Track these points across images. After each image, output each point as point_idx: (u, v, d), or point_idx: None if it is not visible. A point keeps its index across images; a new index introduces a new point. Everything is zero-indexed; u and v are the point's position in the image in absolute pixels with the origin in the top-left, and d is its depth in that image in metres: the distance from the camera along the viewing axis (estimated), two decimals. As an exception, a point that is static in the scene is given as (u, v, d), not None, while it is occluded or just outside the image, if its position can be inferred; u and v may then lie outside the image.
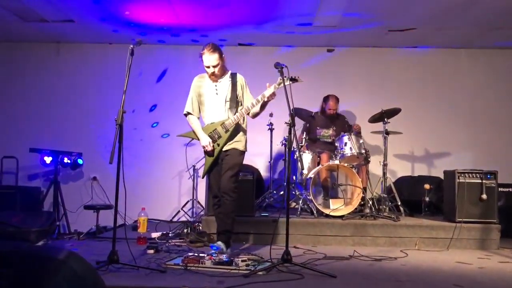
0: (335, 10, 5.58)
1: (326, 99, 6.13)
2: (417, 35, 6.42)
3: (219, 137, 4.08)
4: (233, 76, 4.20)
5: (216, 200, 4.21)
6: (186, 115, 4.29)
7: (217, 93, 4.14)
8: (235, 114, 4.07)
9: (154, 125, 6.96)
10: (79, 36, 6.71)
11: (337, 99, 6.14)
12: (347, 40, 6.70)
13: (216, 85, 4.15)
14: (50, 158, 6.20)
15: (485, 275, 3.57)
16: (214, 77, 4.11)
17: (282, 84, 3.72)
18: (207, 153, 4.14)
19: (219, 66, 4.06)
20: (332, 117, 6.10)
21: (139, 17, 5.91)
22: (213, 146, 4.09)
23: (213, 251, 3.77)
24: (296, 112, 4.97)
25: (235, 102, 4.12)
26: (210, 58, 4.02)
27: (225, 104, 4.12)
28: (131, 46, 3.55)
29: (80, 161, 6.52)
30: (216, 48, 4.04)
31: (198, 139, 4.18)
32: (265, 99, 3.94)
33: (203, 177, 4.46)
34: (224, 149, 4.12)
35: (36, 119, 6.90)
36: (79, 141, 6.75)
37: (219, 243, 3.97)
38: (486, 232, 4.79)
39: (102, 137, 6.82)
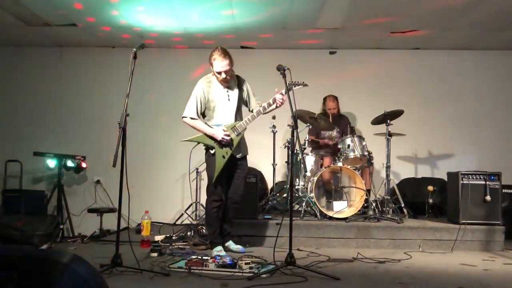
0: (337, 12, 5.58)
1: (324, 100, 6.15)
2: (420, 37, 6.42)
3: (231, 139, 4.07)
4: (239, 80, 4.22)
5: (218, 203, 4.17)
6: (184, 118, 4.18)
7: (229, 99, 4.13)
8: (241, 117, 4.10)
9: (158, 127, 6.98)
10: (82, 40, 6.73)
11: (335, 98, 6.15)
12: (349, 42, 6.70)
13: (228, 91, 4.13)
14: (54, 162, 6.22)
15: (489, 277, 3.55)
16: (225, 82, 4.08)
17: (290, 89, 3.80)
18: (224, 144, 4.02)
19: (230, 71, 4.05)
20: (335, 117, 6.09)
21: (142, 20, 5.94)
22: (230, 137, 4.01)
23: (241, 253, 3.74)
24: (298, 115, 4.97)
25: (241, 106, 4.16)
26: (222, 64, 3.98)
27: (235, 110, 4.13)
28: (134, 49, 3.56)
29: (83, 164, 6.54)
30: (227, 53, 4.03)
31: (205, 141, 4.08)
32: (278, 105, 3.99)
33: (215, 182, 4.13)
34: (237, 156, 4.12)
35: (40, 123, 6.92)
36: (82, 144, 6.77)
37: (233, 243, 4.08)
38: (490, 234, 4.77)
39: (105, 140, 6.83)
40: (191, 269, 3.42)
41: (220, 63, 3.98)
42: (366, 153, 5.32)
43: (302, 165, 5.36)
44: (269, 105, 4.04)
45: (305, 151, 5.63)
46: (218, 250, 4.10)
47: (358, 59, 6.99)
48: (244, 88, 4.21)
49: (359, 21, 5.86)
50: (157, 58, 6.93)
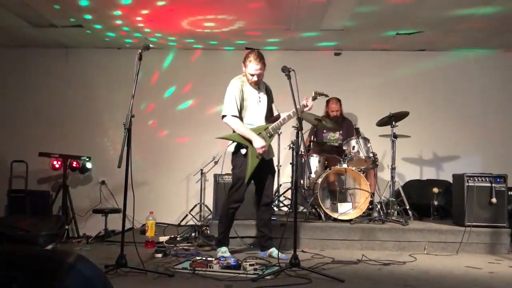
0: (343, 13, 5.57)
1: (327, 102, 6.15)
2: (426, 38, 6.40)
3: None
4: (266, 85, 4.29)
5: (237, 204, 4.13)
6: (225, 118, 4.10)
7: (260, 101, 4.18)
8: (268, 121, 4.16)
9: (164, 128, 7.00)
10: (88, 41, 6.76)
11: (338, 101, 6.14)
12: (355, 43, 6.69)
13: (259, 93, 4.18)
14: (59, 162, 6.25)
15: (495, 280, 3.54)
16: (255, 84, 4.14)
17: (320, 96, 4.15)
18: (258, 156, 4.01)
19: (262, 75, 4.12)
20: (338, 119, 6.09)
21: (148, 23, 5.96)
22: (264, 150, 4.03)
23: (282, 259, 3.70)
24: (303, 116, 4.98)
25: (270, 109, 4.24)
26: (257, 67, 4.06)
27: (264, 113, 4.17)
28: (139, 51, 3.57)
29: (88, 165, 6.57)
30: (262, 57, 4.11)
31: (241, 140, 4.04)
32: (307, 109, 4.15)
33: (246, 182, 4.05)
34: (267, 158, 4.14)
35: (45, 123, 6.95)
36: (88, 145, 6.79)
37: (276, 250, 4.02)
38: (495, 236, 4.75)
39: (110, 141, 6.86)
40: (196, 270, 3.43)
41: (254, 66, 4.05)
42: (371, 155, 5.31)
43: (306, 167, 5.36)
44: (302, 109, 4.14)
45: (309, 152, 5.62)
46: (223, 251, 4.10)
47: (363, 61, 6.98)
48: (270, 94, 4.31)
49: (364, 23, 5.85)
50: (161, 58, 6.94)
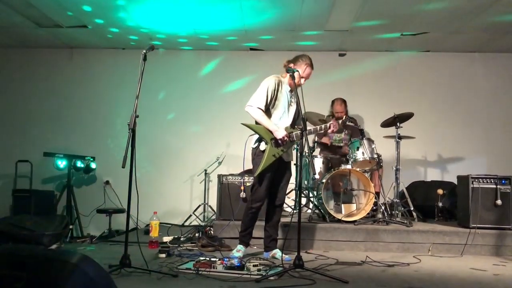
0: (347, 14, 5.57)
1: (332, 103, 6.14)
2: (430, 39, 6.38)
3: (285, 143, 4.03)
4: (297, 93, 4.23)
5: (258, 204, 4.06)
6: (249, 107, 4.01)
7: (291, 105, 4.14)
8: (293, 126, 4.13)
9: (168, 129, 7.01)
10: (92, 42, 6.78)
11: (343, 102, 6.13)
12: (359, 44, 6.68)
13: (291, 98, 4.14)
14: (64, 162, 6.27)
15: (500, 282, 3.51)
16: (295, 87, 4.03)
17: (346, 123, 4.34)
18: (278, 144, 3.95)
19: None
20: (343, 120, 6.08)
21: (150, 22, 5.97)
22: (286, 139, 3.97)
23: (286, 261, 3.69)
24: (307, 117, 4.97)
25: (297, 116, 4.18)
26: (310, 73, 4.08)
27: (291, 118, 4.13)
28: (144, 51, 3.56)
29: (93, 165, 6.59)
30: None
31: (262, 133, 3.96)
32: (330, 131, 4.22)
33: (258, 179, 4.01)
34: (285, 160, 4.10)
35: (50, 123, 6.98)
36: (92, 145, 6.82)
37: (279, 252, 4.01)
38: (500, 238, 4.72)
39: (115, 141, 6.88)
40: (199, 270, 3.43)
41: (309, 71, 4.07)
42: (375, 156, 5.29)
43: (310, 168, 5.34)
44: (325, 127, 4.16)
45: (313, 153, 5.61)
46: (238, 250, 4.11)
47: (367, 61, 6.97)
48: (299, 103, 4.24)
49: (368, 23, 5.84)
50: (165, 59, 6.95)
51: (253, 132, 4.05)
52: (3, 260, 1.81)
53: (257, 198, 4.06)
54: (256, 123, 4.02)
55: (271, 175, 4.03)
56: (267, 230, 4.25)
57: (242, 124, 4.00)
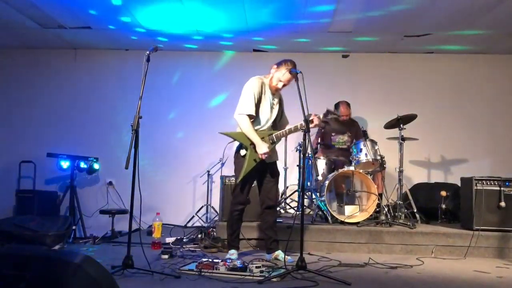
0: (350, 15, 5.56)
1: (337, 105, 6.14)
2: (434, 41, 6.37)
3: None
4: (280, 95, 4.24)
5: (241, 207, 4.13)
6: (240, 115, 4.02)
7: (272, 107, 4.14)
8: (276, 128, 4.12)
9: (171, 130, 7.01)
10: (96, 42, 6.80)
11: (348, 104, 6.13)
12: (363, 46, 6.68)
13: (274, 99, 4.14)
14: (67, 163, 6.29)
15: (503, 285, 3.50)
16: (276, 91, 4.08)
17: (331, 115, 3.99)
18: (256, 159, 3.97)
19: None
20: (346, 123, 6.08)
21: (155, 24, 5.98)
22: (266, 156, 3.97)
23: (289, 263, 3.70)
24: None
25: (279, 117, 4.20)
26: (289, 79, 4.01)
27: (274, 119, 4.14)
28: (148, 52, 3.57)
29: (96, 166, 6.61)
30: None
31: (242, 140, 3.99)
32: (312, 126, 3.95)
33: (240, 183, 4.05)
34: (267, 161, 4.08)
35: (53, 124, 7.00)
36: (95, 146, 6.83)
37: (282, 253, 4.01)
38: (504, 240, 4.70)
39: (118, 142, 6.89)
40: (202, 271, 3.42)
41: (289, 77, 4.00)
42: (378, 157, 5.29)
43: (313, 169, 5.34)
44: (307, 123, 4.07)
45: (316, 155, 5.61)
46: (231, 253, 4.09)
47: (371, 63, 6.96)
48: (282, 104, 4.26)
49: (372, 25, 5.83)
50: (168, 60, 6.96)
51: (232, 140, 4.10)
52: (6, 260, 1.81)
53: (239, 201, 4.12)
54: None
55: (254, 179, 4.11)
56: (265, 232, 4.24)
57: (220, 133, 4.08)
